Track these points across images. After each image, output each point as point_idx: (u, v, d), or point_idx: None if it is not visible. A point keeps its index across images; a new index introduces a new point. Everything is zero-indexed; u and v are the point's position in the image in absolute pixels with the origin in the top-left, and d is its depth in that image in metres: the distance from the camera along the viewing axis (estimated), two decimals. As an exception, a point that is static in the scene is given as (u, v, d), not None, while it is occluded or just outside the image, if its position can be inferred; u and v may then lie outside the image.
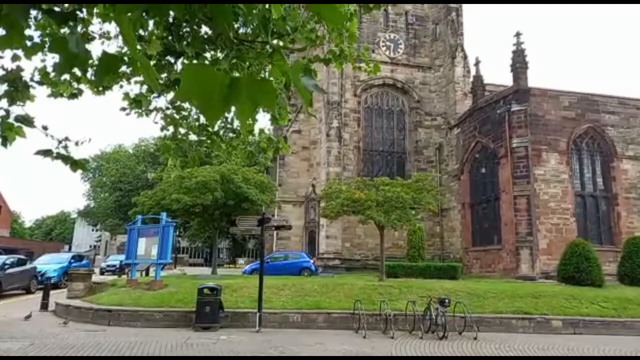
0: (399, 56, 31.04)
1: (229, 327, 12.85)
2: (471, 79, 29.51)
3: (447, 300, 12.27)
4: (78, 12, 2.74)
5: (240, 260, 46.52)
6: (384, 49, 30.76)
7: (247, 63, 4.05)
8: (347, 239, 26.98)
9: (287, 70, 2.73)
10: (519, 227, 21.51)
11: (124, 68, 4.14)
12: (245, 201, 19.96)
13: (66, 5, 2.45)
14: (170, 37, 4.22)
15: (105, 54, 1.73)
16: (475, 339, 11.72)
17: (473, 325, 12.14)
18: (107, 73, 1.82)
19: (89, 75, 3.83)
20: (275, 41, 3.84)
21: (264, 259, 15.02)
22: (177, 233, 40.99)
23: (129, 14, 1.86)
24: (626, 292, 15.98)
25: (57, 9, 2.47)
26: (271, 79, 3.61)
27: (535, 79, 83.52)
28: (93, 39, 1.89)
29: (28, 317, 13.07)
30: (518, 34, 24.16)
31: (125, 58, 3.53)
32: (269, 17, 3.37)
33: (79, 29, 2.83)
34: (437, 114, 30.60)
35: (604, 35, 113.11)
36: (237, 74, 4.21)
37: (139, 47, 3.90)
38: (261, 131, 6.00)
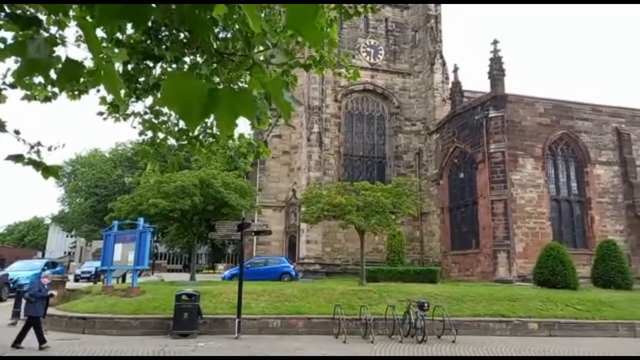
0: (379, 62, 31.30)
1: (207, 333, 12.69)
2: (450, 85, 29.95)
3: (426, 304, 12.37)
4: (52, 16, 2.67)
5: (220, 266, 45.99)
6: (364, 54, 30.99)
7: (227, 70, 4.03)
8: (328, 243, 26.98)
9: (267, 83, 2.75)
10: (496, 231, 21.85)
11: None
12: (224, 206, 19.77)
13: (38, 7, 2.39)
14: (149, 41, 4.16)
15: (68, 60, 1.70)
16: (453, 342, 11.84)
17: (451, 329, 12.27)
18: (69, 80, 1.79)
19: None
20: (255, 55, 3.83)
21: (243, 264, 14.91)
22: (155, 238, 40.35)
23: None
24: (599, 294, 16.40)
25: (31, 10, 2.41)
26: (250, 89, 3.59)
27: (512, 85, 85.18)
28: (57, 44, 1.84)
29: (13, 324, 12.84)
30: (495, 42, 24.65)
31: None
32: (250, 32, 3.37)
33: (54, 31, 2.77)
34: (417, 120, 30.93)
35: (580, 41, 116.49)
36: (217, 79, 4.18)
37: (116, 50, 3.83)
38: (241, 136, 5.95)
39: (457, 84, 29.26)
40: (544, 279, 17.47)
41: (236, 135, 5.73)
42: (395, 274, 20.54)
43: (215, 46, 3.67)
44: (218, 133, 5.54)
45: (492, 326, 13.72)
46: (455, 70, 29.81)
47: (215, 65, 3.97)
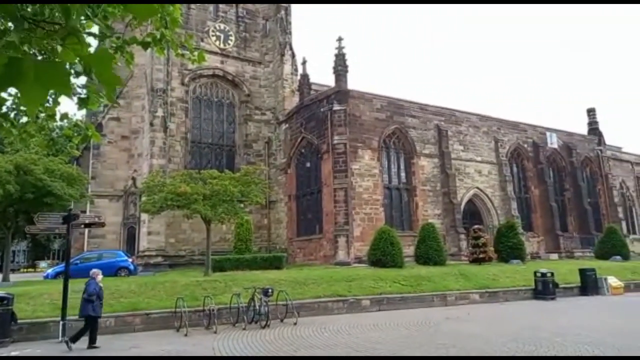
0: (230, 48, 30.68)
1: (24, 340, 11.15)
2: (299, 77, 30.87)
3: (270, 290, 12.66)
4: None
5: (43, 264, 40.57)
6: (213, 38, 30.04)
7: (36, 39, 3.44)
8: (172, 234, 25.63)
9: (88, 57, 2.41)
10: (337, 217, 23.34)
11: None
12: (48, 195, 17.32)
13: None
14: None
15: None
16: (295, 324, 12.35)
17: (294, 312, 12.79)
18: None
19: None
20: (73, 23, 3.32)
21: (70, 260, 13.35)
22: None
23: None
24: (420, 270, 18.73)
25: None
26: (63, 61, 3.10)
27: (361, 80, 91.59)
28: None
29: None
30: (340, 39, 26.09)
31: None
32: None
33: None
34: (267, 109, 31.19)
35: (422, 41, 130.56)
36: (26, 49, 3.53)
37: None
38: (64, 115, 5.20)
39: (305, 76, 30.30)
40: (377, 259, 19.28)
41: (59, 115, 5.00)
42: (242, 262, 20.50)
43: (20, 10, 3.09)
44: (36, 112, 4.77)
45: (331, 306, 14.68)
46: (304, 63, 30.83)
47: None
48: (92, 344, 10.25)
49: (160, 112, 26.26)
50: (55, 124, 5.43)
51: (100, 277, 11.10)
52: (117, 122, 27.88)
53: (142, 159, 26.72)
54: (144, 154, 26.52)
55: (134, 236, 26.11)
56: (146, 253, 24.32)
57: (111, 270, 19.18)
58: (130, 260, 20.56)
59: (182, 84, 28.31)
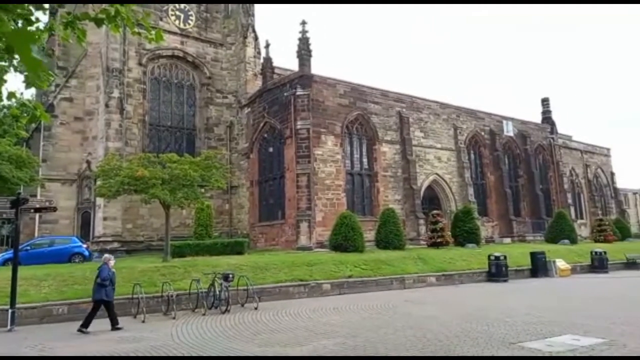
0: (190, 28, 29.75)
1: (-32, 331, 10.60)
2: (261, 61, 30.37)
3: (230, 275, 12.58)
4: None
5: (-9, 250, 38.62)
6: (173, 18, 29.02)
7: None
8: (129, 219, 24.87)
9: (8, 34, 2.22)
10: (300, 202, 23.35)
11: None
12: (-6, 179, 16.48)
13: None
14: None
15: None
16: (256, 308, 12.36)
17: (254, 296, 12.79)
18: None
19: None
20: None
21: (18, 246, 12.77)
22: None
23: None
24: (380, 255, 19.09)
25: None
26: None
27: (323, 66, 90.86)
28: None
29: None
30: (304, 23, 25.77)
31: None
32: None
33: None
34: (229, 92, 30.56)
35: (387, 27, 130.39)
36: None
37: None
38: (12, 94, 4.90)
39: (268, 60, 29.84)
40: (338, 244, 19.48)
41: (5, 93, 4.70)
42: (202, 247, 20.21)
43: None
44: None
45: (292, 290, 14.76)
46: (267, 46, 30.32)
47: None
48: (115, 325, 10.38)
49: (116, 93, 25.25)
50: (1, 103, 5.09)
51: (112, 262, 11.19)
52: (70, 103, 26.58)
53: (97, 142, 25.69)
54: (99, 137, 25.50)
55: (89, 221, 25.21)
56: (102, 239, 23.55)
57: (64, 257, 18.50)
58: (84, 246, 19.86)
59: (140, 64, 27.28)
